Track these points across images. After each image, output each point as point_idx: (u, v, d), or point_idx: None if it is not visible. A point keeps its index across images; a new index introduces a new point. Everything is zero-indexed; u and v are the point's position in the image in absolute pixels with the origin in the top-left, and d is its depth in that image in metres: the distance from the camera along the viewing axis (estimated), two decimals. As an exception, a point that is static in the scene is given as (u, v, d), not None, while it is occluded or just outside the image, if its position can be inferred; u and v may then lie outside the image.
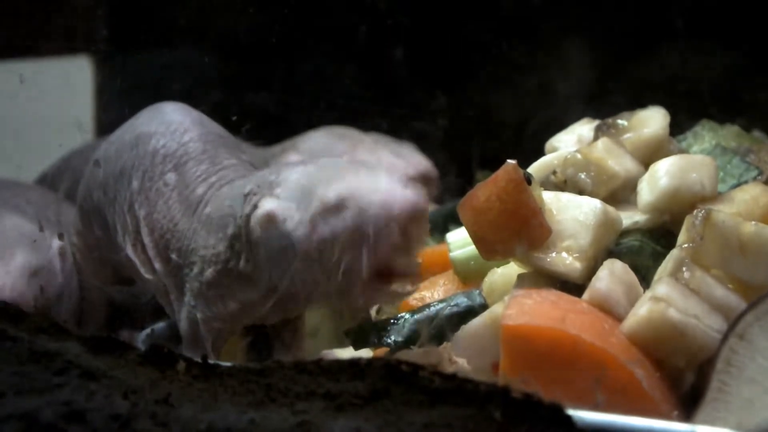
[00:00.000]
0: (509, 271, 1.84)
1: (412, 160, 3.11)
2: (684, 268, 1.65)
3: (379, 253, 1.71)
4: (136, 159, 2.05)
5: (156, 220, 1.99)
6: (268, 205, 1.79)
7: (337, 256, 1.73)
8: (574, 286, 1.74)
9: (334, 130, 3.04)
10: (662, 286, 1.61)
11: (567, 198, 1.82)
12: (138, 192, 2.03)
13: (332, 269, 1.75)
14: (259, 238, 1.80)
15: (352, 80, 3.30)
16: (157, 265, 1.99)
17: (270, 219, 1.78)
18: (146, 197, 2.02)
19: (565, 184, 1.91)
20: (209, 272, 1.89)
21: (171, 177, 2.01)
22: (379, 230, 1.70)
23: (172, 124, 2.06)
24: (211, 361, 1.58)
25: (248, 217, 1.82)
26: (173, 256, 1.96)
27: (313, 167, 1.82)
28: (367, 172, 1.77)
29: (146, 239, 2.00)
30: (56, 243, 2.26)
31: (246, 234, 1.82)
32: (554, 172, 1.93)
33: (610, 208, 1.81)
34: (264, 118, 3.00)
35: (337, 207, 1.73)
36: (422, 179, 3.05)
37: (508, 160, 1.78)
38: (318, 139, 3.00)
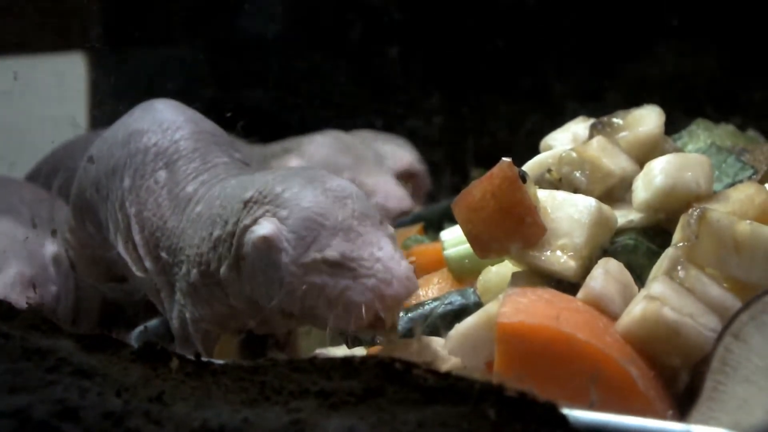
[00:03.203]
0: (504, 269, 1.84)
1: (398, 157, 3.11)
2: (679, 267, 1.65)
3: (362, 325, 1.71)
4: (128, 157, 2.05)
5: (146, 218, 1.99)
6: (269, 228, 1.74)
7: (320, 308, 1.73)
8: (568, 285, 1.74)
9: (339, 139, 3.02)
10: (657, 284, 1.61)
11: (562, 196, 1.82)
12: (129, 190, 2.02)
13: (312, 312, 1.75)
14: (248, 255, 1.77)
15: (346, 78, 3.30)
16: (148, 264, 1.99)
17: (267, 244, 1.74)
18: (137, 195, 2.01)
19: (560, 182, 1.91)
20: (194, 273, 1.88)
21: (162, 175, 2.00)
22: (368, 307, 1.68)
23: (164, 122, 2.05)
24: (204, 359, 1.57)
25: (245, 228, 1.78)
26: (163, 254, 1.95)
27: (325, 199, 1.75)
28: (375, 234, 1.74)
29: (137, 237, 2.00)
30: (51, 249, 2.25)
31: (236, 244, 1.79)
32: (549, 171, 1.92)
33: (605, 207, 1.80)
34: (258, 116, 2.99)
35: (337, 265, 1.70)
36: (408, 175, 3.05)
37: (503, 158, 1.78)
38: (322, 147, 2.97)
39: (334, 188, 1.78)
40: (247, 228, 1.78)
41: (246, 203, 1.80)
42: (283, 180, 1.80)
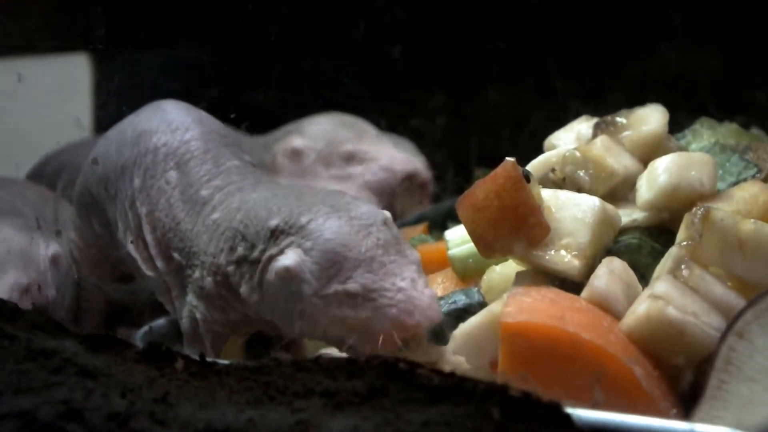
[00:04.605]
0: (508, 269, 1.84)
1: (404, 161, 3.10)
2: (683, 266, 1.65)
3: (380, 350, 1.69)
4: (138, 156, 2.05)
5: (158, 219, 1.99)
6: (293, 259, 1.74)
7: (341, 335, 1.73)
8: (572, 284, 1.74)
9: (340, 118, 3.02)
10: (661, 284, 1.61)
11: (566, 196, 1.82)
12: (140, 190, 2.03)
13: (332, 336, 1.75)
14: (271, 283, 1.78)
15: (350, 78, 3.30)
16: (159, 263, 1.99)
17: (290, 274, 1.74)
18: (148, 195, 2.01)
19: (563, 181, 1.91)
20: (208, 281, 1.89)
21: (173, 175, 2.00)
22: (387, 337, 1.68)
23: (173, 122, 2.06)
24: (209, 359, 1.58)
25: (270, 257, 1.78)
26: (175, 255, 1.95)
27: (349, 229, 1.75)
28: (398, 263, 1.73)
29: (148, 237, 2.00)
30: (51, 249, 2.25)
31: (261, 269, 1.80)
32: (553, 170, 1.92)
33: (609, 206, 1.80)
34: (262, 116, 2.99)
35: (359, 297, 1.70)
36: (414, 180, 3.04)
37: (507, 158, 1.78)
38: (324, 125, 2.98)
39: (359, 216, 1.77)
40: (272, 257, 1.78)
41: (273, 232, 1.80)
42: (309, 209, 1.80)
